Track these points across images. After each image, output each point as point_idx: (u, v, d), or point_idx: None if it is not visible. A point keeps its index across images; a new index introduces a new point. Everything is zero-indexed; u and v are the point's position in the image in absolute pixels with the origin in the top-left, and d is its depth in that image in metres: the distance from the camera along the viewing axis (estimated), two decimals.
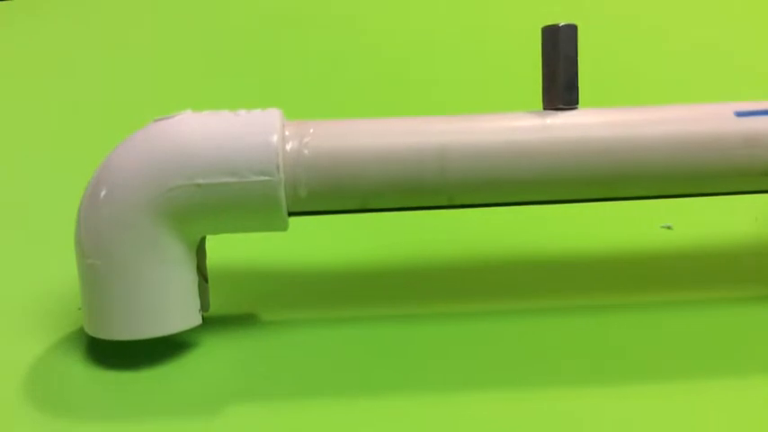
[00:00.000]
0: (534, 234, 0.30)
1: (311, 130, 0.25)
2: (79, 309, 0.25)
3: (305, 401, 0.25)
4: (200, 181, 0.24)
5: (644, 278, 0.29)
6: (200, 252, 0.27)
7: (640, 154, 0.25)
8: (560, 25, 0.26)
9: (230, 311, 0.28)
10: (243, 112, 0.25)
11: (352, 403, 0.24)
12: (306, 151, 0.25)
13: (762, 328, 0.26)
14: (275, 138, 0.24)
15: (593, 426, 0.23)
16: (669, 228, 0.30)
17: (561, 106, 0.26)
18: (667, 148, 0.25)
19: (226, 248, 0.28)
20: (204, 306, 0.27)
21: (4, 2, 0.48)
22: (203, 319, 0.26)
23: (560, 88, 0.26)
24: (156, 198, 0.24)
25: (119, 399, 0.25)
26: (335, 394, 0.25)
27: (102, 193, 0.24)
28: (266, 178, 0.24)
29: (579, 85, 0.26)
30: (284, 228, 0.26)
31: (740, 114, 0.26)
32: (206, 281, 0.27)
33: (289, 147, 0.25)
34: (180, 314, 0.25)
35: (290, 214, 0.25)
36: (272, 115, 0.25)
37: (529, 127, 0.25)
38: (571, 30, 0.26)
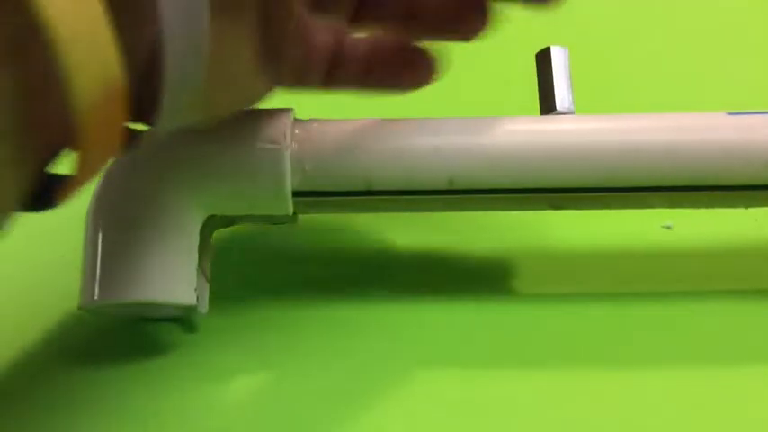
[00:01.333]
0: (533, 233, 0.30)
1: (315, 125, 0.27)
2: (79, 308, 0.25)
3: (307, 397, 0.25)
4: (211, 146, 0.25)
5: (643, 277, 0.29)
6: (204, 248, 0.27)
7: (638, 157, 0.26)
8: (551, 48, 0.29)
9: (228, 309, 0.28)
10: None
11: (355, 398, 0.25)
12: (313, 132, 0.26)
13: (762, 328, 0.26)
14: (287, 115, 0.26)
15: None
16: (669, 228, 0.30)
17: (558, 113, 0.28)
18: (664, 151, 0.26)
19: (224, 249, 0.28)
20: (201, 304, 0.27)
21: None
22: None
23: (555, 98, 0.28)
24: (163, 163, 0.25)
25: (117, 394, 0.25)
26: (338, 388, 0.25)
27: (116, 162, 0.25)
28: (273, 146, 0.25)
29: (576, 93, 0.28)
30: (288, 208, 0.26)
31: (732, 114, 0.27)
32: (207, 280, 0.27)
33: (297, 127, 0.26)
34: (175, 285, 0.25)
35: (295, 194, 0.26)
36: (284, 108, 0.27)
37: (527, 130, 0.27)
38: (563, 53, 0.29)
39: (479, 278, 0.29)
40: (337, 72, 0.24)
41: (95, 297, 0.25)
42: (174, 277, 0.25)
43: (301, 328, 0.28)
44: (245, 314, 0.28)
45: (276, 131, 0.25)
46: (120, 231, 0.25)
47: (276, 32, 0.22)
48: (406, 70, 0.25)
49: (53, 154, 0.19)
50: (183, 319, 0.28)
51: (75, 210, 0.25)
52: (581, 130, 0.26)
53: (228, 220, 0.28)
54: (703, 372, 0.26)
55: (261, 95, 0.25)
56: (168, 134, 0.22)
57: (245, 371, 0.27)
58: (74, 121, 0.17)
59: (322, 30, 0.23)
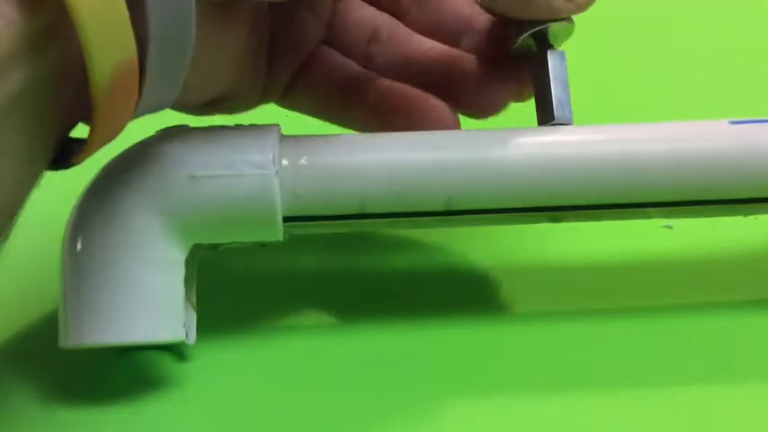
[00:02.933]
0: (532, 232, 0.29)
1: (304, 143, 0.25)
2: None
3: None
4: (196, 173, 0.24)
5: (643, 277, 0.28)
6: (190, 277, 0.26)
7: (640, 171, 0.25)
8: (548, 53, 0.27)
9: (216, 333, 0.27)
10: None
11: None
12: (303, 152, 0.25)
13: (762, 329, 0.26)
14: (273, 135, 0.24)
15: None
16: (669, 227, 0.29)
17: (556, 123, 0.26)
18: (667, 162, 0.25)
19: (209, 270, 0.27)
20: (190, 336, 0.25)
21: None
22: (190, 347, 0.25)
23: (553, 106, 0.27)
24: (149, 191, 0.23)
25: None
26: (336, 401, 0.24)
27: (98, 187, 0.24)
28: (261, 172, 0.24)
29: (574, 100, 0.27)
30: (279, 234, 0.25)
31: (735, 123, 0.26)
32: (194, 309, 0.26)
33: (285, 147, 0.25)
34: (162, 323, 0.24)
35: (286, 220, 0.25)
36: (271, 126, 0.25)
37: (527, 142, 0.26)
38: (559, 55, 0.27)
39: (476, 295, 0.28)
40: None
41: (76, 340, 0.23)
42: (160, 315, 0.24)
43: (293, 349, 0.27)
44: (235, 337, 0.27)
45: (263, 155, 0.24)
46: (99, 267, 0.23)
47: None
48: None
49: (74, 123, 0.21)
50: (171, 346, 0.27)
51: (55, 233, 0.24)
52: (583, 145, 0.25)
53: (214, 245, 0.26)
54: (702, 374, 0.25)
55: (245, 90, 0.26)
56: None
57: (243, 401, 0.25)
58: (93, 93, 0.19)
59: None
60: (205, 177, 0.24)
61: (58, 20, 0.18)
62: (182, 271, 0.24)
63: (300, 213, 0.25)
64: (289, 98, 0.28)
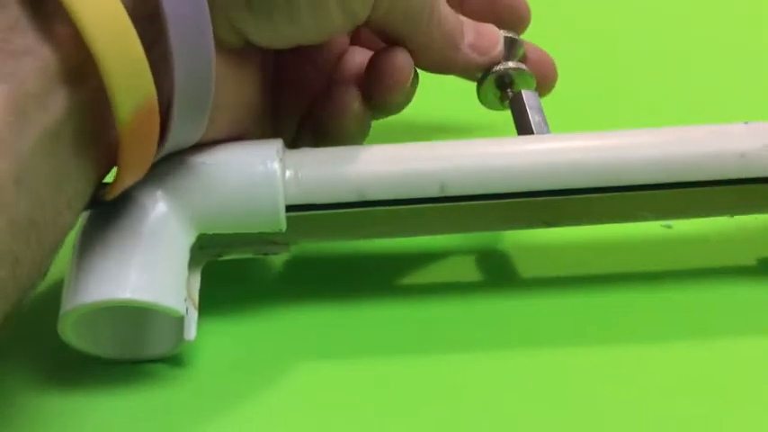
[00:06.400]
0: (530, 233, 0.30)
1: (304, 148, 0.28)
2: (62, 316, 0.24)
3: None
4: (205, 160, 0.25)
5: (642, 277, 0.29)
6: (193, 274, 0.26)
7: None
8: (522, 92, 0.31)
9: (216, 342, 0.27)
10: None
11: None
12: (303, 150, 0.27)
13: (761, 326, 0.27)
14: (274, 141, 0.26)
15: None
16: (669, 227, 0.30)
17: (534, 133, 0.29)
18: (652, 153, 0.27)
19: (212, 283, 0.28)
20: (189, 331, 0.25)
21: None
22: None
23: (533, 131, 0.29)
24: (159, 173, 0.25)
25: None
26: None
27: None
28: (265, 159, 0.26)
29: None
30: (281, 224, 0.26)
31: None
32: (196, 308, 0.26)
33: (287, 150, 0.27)
34: (164, 289, 0.24)
35: (288, 209, 0.26)
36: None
37: (516, 139, 0.28)
38: (533, 95, 0.30)
39: (476, 282, 0.29)
40: None
41: (79, 300, 0.23)
42: (163, 281, 0.24)
43: (293, 349, 0.27)
44: (235, 337, 0.27)
45: (267, 147, 0.26)
46: (106, 236, 0.24)
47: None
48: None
49: (109, 166, 0.23)
50: (169, 357, 0.26)
51: None
52: (572, 141, 0.27)
53: (218, 250, 0.27)
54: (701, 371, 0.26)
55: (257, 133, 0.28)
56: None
57: (242, 401, 0.25)
58: (119, 131, 0.21)
59: None
60: (214, 164, 0.26)
61: (89, 61, 0.20)
62: (186, 253, 0.25)
63: (302, 201, 0.26)
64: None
